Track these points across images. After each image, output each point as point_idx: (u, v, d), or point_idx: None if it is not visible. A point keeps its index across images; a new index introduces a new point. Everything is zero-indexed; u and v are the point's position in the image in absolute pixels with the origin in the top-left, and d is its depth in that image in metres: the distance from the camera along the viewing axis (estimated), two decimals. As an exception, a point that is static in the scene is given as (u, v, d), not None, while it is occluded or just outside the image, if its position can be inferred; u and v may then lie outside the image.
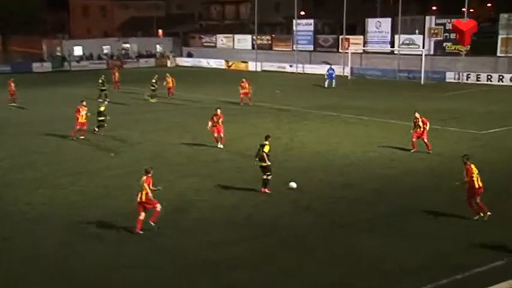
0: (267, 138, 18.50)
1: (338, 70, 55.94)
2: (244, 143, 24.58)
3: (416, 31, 56.90)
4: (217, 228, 15.44)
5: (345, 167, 21.96)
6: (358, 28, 63.82)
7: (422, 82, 51.19)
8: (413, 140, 22.88)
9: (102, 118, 27.30)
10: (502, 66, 50.78)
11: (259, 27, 66.08)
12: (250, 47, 70.63)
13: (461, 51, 51.62)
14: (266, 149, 18.13)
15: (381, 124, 30.74)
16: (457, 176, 16.71)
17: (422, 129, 22.83)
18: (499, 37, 50.79)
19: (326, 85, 47.62)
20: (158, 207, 15.32)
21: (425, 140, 22.69)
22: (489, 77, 50.01)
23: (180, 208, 17.04)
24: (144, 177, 15.21)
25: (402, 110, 35.07)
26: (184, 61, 75.77)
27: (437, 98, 40.94)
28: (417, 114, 23.07)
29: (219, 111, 24.62)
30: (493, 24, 56.42)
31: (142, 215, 15.18)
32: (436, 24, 55.87)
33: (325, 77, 48.30)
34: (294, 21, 63.88)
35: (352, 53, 57.74)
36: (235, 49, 73.06)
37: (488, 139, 26.69)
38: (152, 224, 15.28)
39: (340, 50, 61.03)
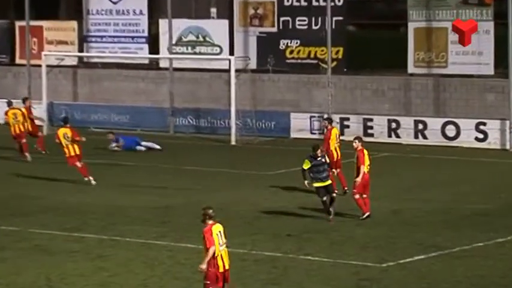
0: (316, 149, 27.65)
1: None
2: None
3: (213, 11, 54.07)
4: None
5: None
6: (64, 1, 59.28)
7: (232, 140, 48.33)
8: (356, 198, 27.94)
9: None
10: (416, 100, 49.64)
11: None
12: None
13: (324, 62, 48.48)
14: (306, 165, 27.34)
15: (136, 252, 27.04)
16: None
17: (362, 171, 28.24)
18: (409, 27, 47.09)
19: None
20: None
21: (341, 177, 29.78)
22: (393, 124, 47.34)
23: None
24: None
25: (184, 211, 32.61)
26: None
27: (278, 179, 37.89)
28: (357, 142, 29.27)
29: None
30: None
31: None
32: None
33: (112, 144, 44.90)
34: None
35: (50, 68, 52.79)
36: None
37: (397, 279, 24.87)
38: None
39: (17, 60, 57.13)
